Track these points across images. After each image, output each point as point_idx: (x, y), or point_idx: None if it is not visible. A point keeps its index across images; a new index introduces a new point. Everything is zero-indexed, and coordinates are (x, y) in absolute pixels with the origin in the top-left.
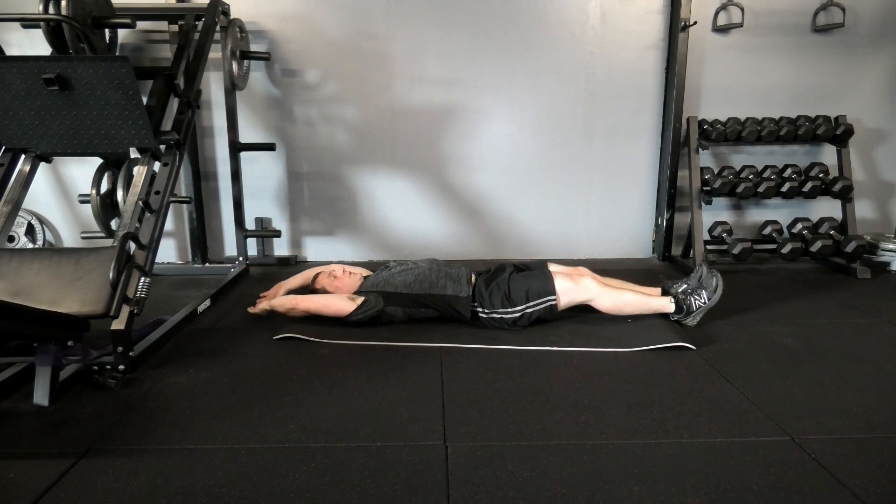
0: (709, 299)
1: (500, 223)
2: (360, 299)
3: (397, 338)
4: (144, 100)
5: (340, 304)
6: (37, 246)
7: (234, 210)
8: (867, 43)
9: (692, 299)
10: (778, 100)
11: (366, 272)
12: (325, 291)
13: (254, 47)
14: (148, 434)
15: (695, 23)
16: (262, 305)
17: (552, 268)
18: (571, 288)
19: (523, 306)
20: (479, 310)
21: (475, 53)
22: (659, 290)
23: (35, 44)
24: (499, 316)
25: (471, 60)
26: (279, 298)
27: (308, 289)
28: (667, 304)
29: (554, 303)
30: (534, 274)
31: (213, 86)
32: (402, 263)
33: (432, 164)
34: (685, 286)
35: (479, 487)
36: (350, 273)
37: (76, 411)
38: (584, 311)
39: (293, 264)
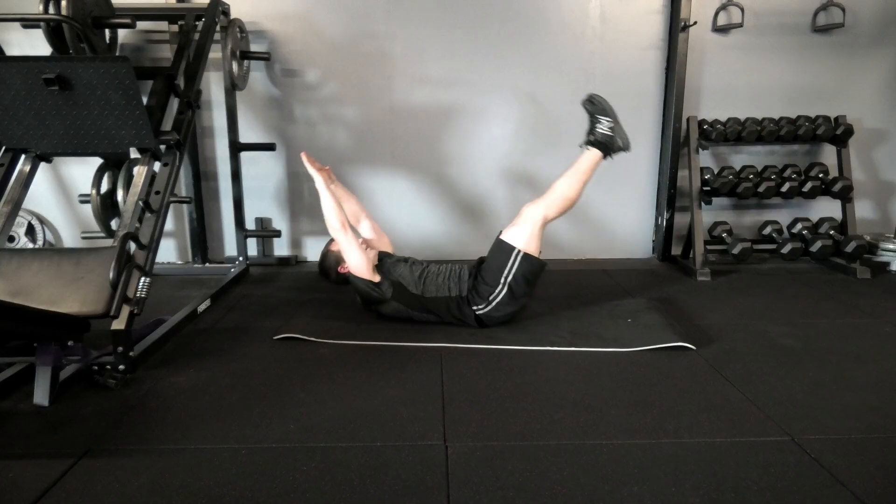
0: (607, 115)
1: (500, 223)
2: (378, 278)
3: (397, 338)
4: (144, 100)
5: (364, 267)
6: (37, 246)
7: (234, 210)
8: (867, 43)
9: (599, 130)
10: (778, 100)
11: (388, 248)
12: (338, 254)
13: (254, 47)
14: (148, 434)
15: (695, 23)
16: (316, 175)
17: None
18: (521, 230)
19: (502, 279)
20: (476, 309)
21: (475, 53)
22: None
23: (35, 44)
24: (494, 304)
25: (471, 60)
26: (333, 199)
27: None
28: (590, 155)
29: (520, 251)
30: (491, 250)
31: (213, 86)
32: (417, 263)
33: (432, 164)
34: (588, 130)
35: (479, 487)
36: (368, 248)
37: (76, 411)
38: (584, 312)
39: (293, 264)
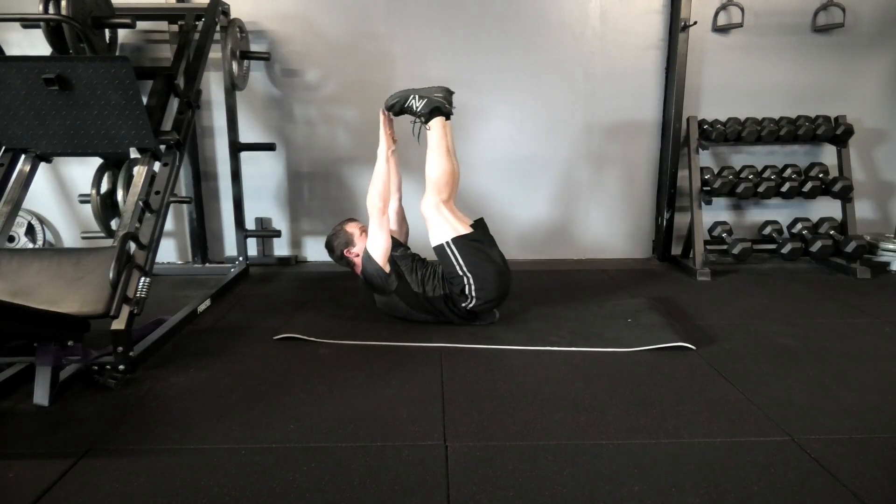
0: (405, 97)
1: (500, 223)
2: (388, 269)
3: (397, 338)
4: (144, 100)
5: (381, 255)
6: (37, 246)
7: (234, 210)
8: (867, 43)
9: (415, 106)
10: (778, 100)
11: (405, 237)
12: (348, 239)
13: (254, 47)
14: (148, 434)
15: (695, 23)
16: (388, 139)
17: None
18: (432, 227)
19: (459, 271)
20: (465, 305)
21: (475, 53)
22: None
23: (35, 44)
24: (472, 299)
25: (471, 60)
26: (387, 178)
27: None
28: (435, 126)
29: (446, 242)
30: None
31: (213, 86)
32: (425, 264)
33: None
34: (412, 118)
35: (479, 487)
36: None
37: (76, 411)
38: (584, 311)
39: (293, 264)
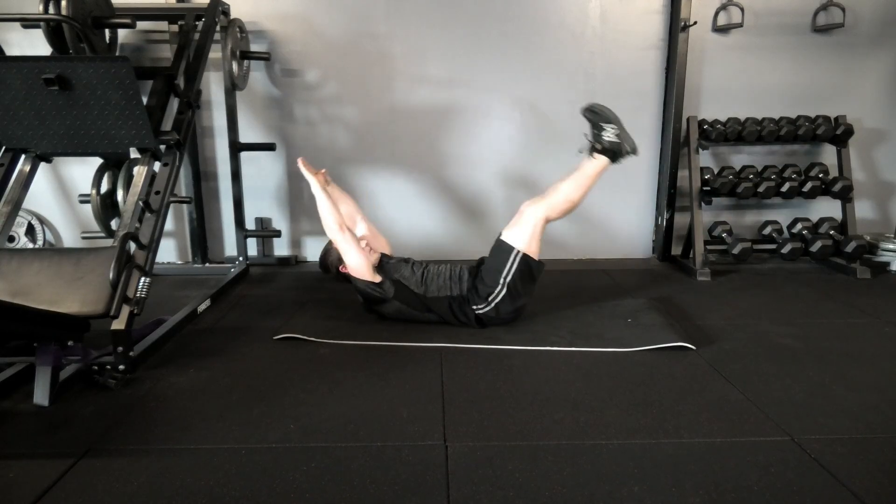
0: (611, 122)
1: (500, 223)
2: (379, 278)
3: (397, 338)
4: (144, 100)
5: (365, 268)
6: (37, 246)
7: (234, 210)
8: (867, 43)
9: (605, 137)
10: (778, 100)
11: (385, 249)
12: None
13: (254, 47)
14: (148, 434)
15: (695, 23)
16: (312, 179)
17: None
18: (521, 231)
19: (501, 279)
20: (476, 308)
21: (475, 53)
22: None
23: (35, 44)
24: (493, 304)
25: (471, 60)
26: (330, 201)
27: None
28: (597, 161)
29: (519, 252)
30: (491, 251)
31: (213, 86)
32: (418, 264)
33: (432, 164)
34: (592, 135)
35: (479, 487)
36: (371, 250)
37: (76, 411)
38: (584, 312)
39: (293, 264)
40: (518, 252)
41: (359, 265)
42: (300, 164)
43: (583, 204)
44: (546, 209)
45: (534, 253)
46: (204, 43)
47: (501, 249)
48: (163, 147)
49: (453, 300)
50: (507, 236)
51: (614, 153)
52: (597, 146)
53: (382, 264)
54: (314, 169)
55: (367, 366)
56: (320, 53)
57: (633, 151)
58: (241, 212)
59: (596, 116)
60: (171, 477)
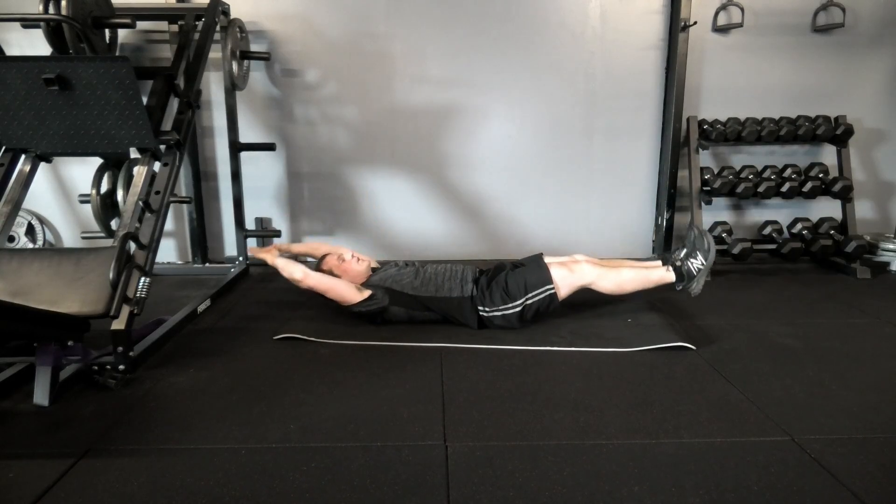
0: (705, 260)
1: (500, 223)
2: (368, 292)
3: (397, 338)
4: (144, 100)
5: (347, 292)
6: (37, 246)
7: (234, 210)
8: (867, 43)
9: (689, 263)
10: (778, 100)
11: (374, 263)
12: (331, 273)
13: (254, 47)
14: (148, 434)
15: (695, 23)
16: (266, 258)
17: (547, 259)
18: (567, 275)
19: (523, 299)
20: (482, 309)
21: (475, 53)
22: (657, 262)
23: (35, 44)
24: (501, 313)
25: (471, 60)
26: (288, 262)
27: (314, 266)
28: (665, 274)
29: (553, 291)
30: (529, 267)
31: (213, 86)
32: (411, 264)
33: (432, 164)
34: (681, 252)
35: (479, 487)
36: (359, 259)
37: (76, 411)
38: (584, 312)
39: None
40: (553, 290)
41: (345, 296)
42: (251, 253)
43: (584, 204)
44: (597, 277)
45: (561, 297)
46: (204, 43)
47: (540, 275)
48: (163, 147)
49: (451, 301)
50: (554, 270)
51: (684, 280)
52: (676, 263)
53: (370, 279)
54: (264, 250)
55: (367, 366)
56: (320, 53)
57: (694, 293)
58: (241, 212)
59: (698, 241)
60: (171, 477)
